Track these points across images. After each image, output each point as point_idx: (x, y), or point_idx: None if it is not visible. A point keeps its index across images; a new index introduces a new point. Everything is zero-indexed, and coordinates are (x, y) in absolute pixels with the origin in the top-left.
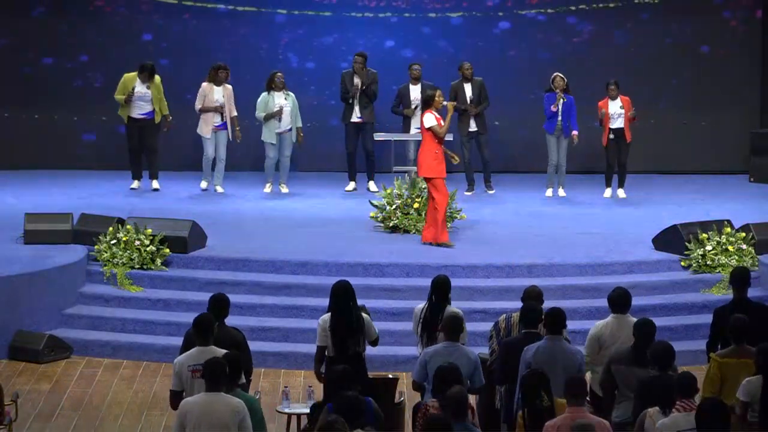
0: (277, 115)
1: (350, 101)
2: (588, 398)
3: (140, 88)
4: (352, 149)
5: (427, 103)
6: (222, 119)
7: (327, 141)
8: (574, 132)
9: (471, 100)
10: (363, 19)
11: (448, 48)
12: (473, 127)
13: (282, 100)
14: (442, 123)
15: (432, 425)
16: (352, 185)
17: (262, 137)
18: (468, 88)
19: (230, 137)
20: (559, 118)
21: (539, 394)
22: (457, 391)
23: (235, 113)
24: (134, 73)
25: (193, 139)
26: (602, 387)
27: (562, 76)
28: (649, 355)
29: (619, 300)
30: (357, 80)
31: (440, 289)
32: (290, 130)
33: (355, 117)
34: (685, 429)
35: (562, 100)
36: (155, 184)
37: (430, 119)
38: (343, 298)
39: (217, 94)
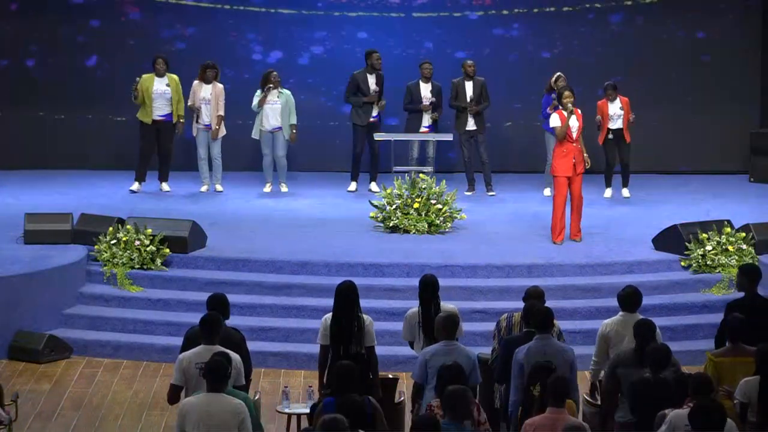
0: (262, 103)
1: (362, 105)
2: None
3: (159, 86)
4: (360, 150)
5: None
6: (209, 118)
7: (327, 140)
8: None
9: (471, 99)
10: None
11: (446, 45)
12: (471, 125)
13: (274, 98)
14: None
15: (421, 425)
16: (353, 185)
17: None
18: (469, 87)
19: (210, 136)
20: None
21: (536, 383)
22: (454, 390)
23: (222, 112)
24: (151, 74)
25: (193, 139)
26: (606, 390)
27: (563, 76)
28: (645, 357)
29: (628, 299)
30: (372, 80)
31: (431, 287)
32: (280, 129)
33: (371, 117)
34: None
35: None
36: (165, 186)
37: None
38: (344, 299)
39: (205, 92)
